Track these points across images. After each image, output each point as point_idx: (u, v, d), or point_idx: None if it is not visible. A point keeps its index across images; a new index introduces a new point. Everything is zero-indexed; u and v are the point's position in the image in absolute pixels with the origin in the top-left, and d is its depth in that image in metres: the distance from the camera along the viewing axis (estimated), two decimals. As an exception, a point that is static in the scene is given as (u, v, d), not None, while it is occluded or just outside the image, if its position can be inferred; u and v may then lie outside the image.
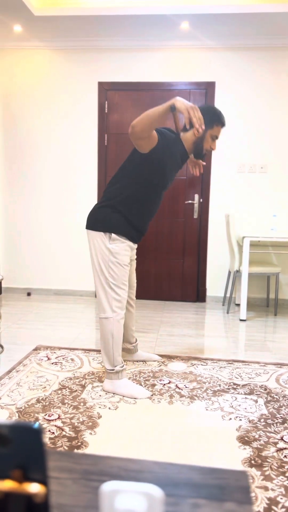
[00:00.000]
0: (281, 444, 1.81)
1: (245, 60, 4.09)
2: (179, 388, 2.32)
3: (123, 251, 2.21)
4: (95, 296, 4.46)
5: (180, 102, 1.93)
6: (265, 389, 2.33)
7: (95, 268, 2.24)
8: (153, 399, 2.19)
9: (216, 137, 2.26)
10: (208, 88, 4.13)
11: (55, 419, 1.97)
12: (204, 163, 2.59)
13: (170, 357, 2.77)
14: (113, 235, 2.19)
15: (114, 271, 2.20)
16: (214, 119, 2.21)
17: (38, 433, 0.48)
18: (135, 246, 2.35)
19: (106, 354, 2.26)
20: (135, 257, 2.50)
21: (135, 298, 2.60)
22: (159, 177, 2.18)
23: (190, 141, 2.25)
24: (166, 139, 2.14)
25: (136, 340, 2.67)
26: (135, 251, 2.47)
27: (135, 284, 2.56)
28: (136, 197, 2.19)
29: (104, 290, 2.22)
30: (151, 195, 2.22)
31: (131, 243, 2.26)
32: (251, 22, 3.67)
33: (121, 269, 2.21)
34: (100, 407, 2.10)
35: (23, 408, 2.07)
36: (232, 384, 2.39)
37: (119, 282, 2.22)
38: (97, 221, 2.21)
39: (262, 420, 2.01)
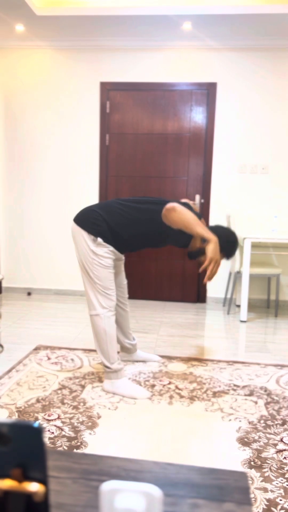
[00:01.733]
0: (280, 446, 1.81)
1: (246, 61, 4.09)
2: (179, 389, 2.32)
3: (106, 253, 2.21)
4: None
5: (213, 248, 2.09)
6: (265, 391, 2.33)
7: (80, 265, 2.25)
8: (153, 400, 2.19)
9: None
10: (209, 89, 4.13)
11: (55, 419, 1.97)
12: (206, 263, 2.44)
13: (170, 358, 2.77)
14: (98, 239, 2.19)
15: (99, 272, 2.20)
16: (224, 253, 2.31)
17: (38, 432, 0.48)
18: (120, 255, 2.37)
19: (101, 351, 2.26)
20: (123, 257, 2.50)
21: (127, 298, 2.59)
22: (159, 240, 2.28)
23: (194, 245, 2.32)
24: (183, 236, 2.25)
25: (134, 339, 2.67)
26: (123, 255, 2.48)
27: (125, 284, 2.55)
28: (131, 234, 2.24)
29: (91, 287, 2.23)
30: (145, 242, 2.30)
31: (115, 250, 2.27)
32: (253, 23, 3.67)
33: (106, 270, 2.21)
34: (99, 407, 2.10)
35: (22, 407, 2.08)
36: (232, 385, 2.39)
37: (106, 284, 2.22)
38: (88, 221, 2.21)
39: (262, 421, 2.00)
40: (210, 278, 2.13)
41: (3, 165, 4.45)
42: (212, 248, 2.08)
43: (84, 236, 2.20)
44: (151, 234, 2.24)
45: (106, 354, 2.25)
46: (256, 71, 4.09)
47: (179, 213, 2.09)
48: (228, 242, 2.29)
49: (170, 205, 2.11)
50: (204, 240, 2.14)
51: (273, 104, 4.11)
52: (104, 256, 2.20)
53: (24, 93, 4.34)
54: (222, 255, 2.32)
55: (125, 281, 2.55)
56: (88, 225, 2.20)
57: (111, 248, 2.23)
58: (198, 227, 2.07)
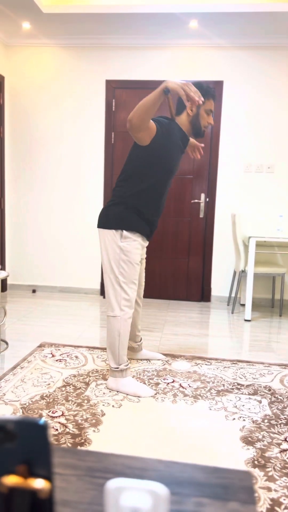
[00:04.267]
0: (284, 445, 1.80)
1: (253, 59, 4.07)
2: (182, 387, 2.32)
3: (134, 249, 2.21)
4: (100, 294, 4.47)
5: (172, 82, 1.93)
6: (269, 390, 2.33)
7: (105, 266, 2.23)
8: (157, 398, 2.19)
9: (211, 111, 2.25)
10: (216, 87, 4.12)
11: (59, 416, 1.98)
12: (203, 145, 2.58)
13: (174, 356, 2.77)
14: (124, 232, 2.18)
15: (124, 269, 2.20)
16: (203, 93, 2.20)
17: (44, 429, 0.48)
18: (146, 244, 2.35)
19: (111, 352, 2.26)
20: (145, 255, 2.50)
21: (142, 297, 2.60)
22: (165, 165, 2.18)
23: (186, 122, 2.24)
24: (164, 126, 2.14)
25: (141, 339, 2.67)
26: (145, 249, 2.47)
27: (143, 283, 2.57)
28: (145, 190, 2.19)
29: (113, 288, 2.22)
30: (160, 184, 2.22)
31: (142, 241, 2.26)
32: (260, 21, 3.65)
33: (132, 268, 2.21)
34: (103, 405, 2.10)
35: (27, 404, 2.08)
36: (236, 384, 2.39)
37: (129, 281, 2.22)
38: (108, 219, 2.21)
39: (265, 420, 2.00)
40: (199, 98, 1.91)
41: (9, 163, 4.46)
42: (170, 84, 1.91)
43: (110, 235, 2.20)
44: (153, 165, 2.15)
45: (116, 356, 2.25)
46: (263, 69, 4.07)
47: (134, 113, 1.95)
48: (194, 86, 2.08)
49: (127, 123, 2.00)
50: (167, 92, 1.92)
51: (280, 103, 4.09)
52: (131, 251, 2.20)
53: (30, 91, 4.35)
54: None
55: (144, 281, 2.56)
56: (109, 222, 2.20)
57: (139, 239, 2.22)
58: (150, 95, 1.94)
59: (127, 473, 0.64)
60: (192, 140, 2.53)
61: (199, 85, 2.21)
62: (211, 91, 2.23)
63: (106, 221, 2.22)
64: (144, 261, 2.51)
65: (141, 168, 2.16)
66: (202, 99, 1.95)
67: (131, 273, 2.21)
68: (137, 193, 2.19)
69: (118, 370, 2.26)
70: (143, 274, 2.54)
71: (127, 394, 2.22)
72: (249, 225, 4.25)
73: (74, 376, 2.43)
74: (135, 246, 2.21)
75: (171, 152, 2.17)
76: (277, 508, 1.41)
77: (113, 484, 0.48)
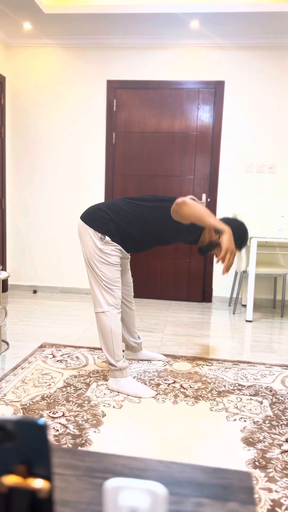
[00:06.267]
0: (285, 446, 1.80)
1: (254, 59, 4.07)
2: (183, 388, 2.32)
3: (113, 251, 2.21)
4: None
5: (228, 238, 2.05)
6: (270, 391, 2.32)
7: (86, 263, 2.25)
8: (158, 399, 2.19)
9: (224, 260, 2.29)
10: (217, 87, 4.12)
11: (60, 417, 1.98)
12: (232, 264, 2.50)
13: (175, 357, 2.77)
14: (106, 237, 2.19)
15: (105, 269, 2.20)
16: (237, 243, 2.27)
17: (43, 429, 0.48)
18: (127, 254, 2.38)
19: (107, 349, 2.26)
20: (129, 256, 2.50)
21: (132, 296, 2.59)
22: (168, 237, 2.28)
23: (204, 239, 2.32)
24: (195, 228, 2.25)
25: (139, 338, 2.67)
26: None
27: (130, 282, 2.55)
28: (139, 233, 2.24)
29: (98, 284, 2.23)
30: (154, 241, 2.30)
31: (121, 249, 2.27)
32: (261, 21, 3.65)
33: (112, 268, 2.21)
34: (104, 406, 2.10)
35: (27, 405, 2.08)
36: (237, 385, 2.38)
37: (112, 281, 2.22)
38: (96, 219, 2.21)
39: (267, 421, 2.00)
40: (228, 269, 2.09)
41: (11, 163, 4.47)
42: (227, 238, 2.05)
43: (91, 234, 2.20)
44: (160, 231, 2.23)
45: (111, 352, 2.25)
46: (264, 70, 4.07)
47: (191, 207, 2.08)
48: (240, 232, 2.27)
49: (180, 199, 2.10)
50: (217, 232, 2.10)
51: (281, 103, 4.09)
52: (111, 254, 2.20)
53: (31, 91, 4.35)
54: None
55: (131, 280, 2.55)
56: (95, 223, 2.20)
57: (119, 246, 2.23)
58: (211, 218, 2.06)
59: (127, 473, 0.64)
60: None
61: (243, 237, 2.28)
62: (243, 246, 2.31)
63: (93, 220, 2.21)
64: (128, 261, 2.51)
65: (153, 216, 2.21)
66: (228, 271, 2.26)
67: (112, 274, 2.22)
68: (138, 231, 2.23)
69: (117, 369, 2.26)
70: (129, 273, 2.53)
71: (128, 395, 2.22)
72: (251, 225, 4.24)
73: (75, 376, 2.43)
74: (113, 249, 2.22)
75: (179, 237, 2.29)
76: (278, 509, 1.41)
77: (111, 483, 0.48)
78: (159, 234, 2.25)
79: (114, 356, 2.25)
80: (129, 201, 2.27)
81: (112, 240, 2.20)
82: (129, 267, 2.53)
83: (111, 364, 2.27)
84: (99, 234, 2.19)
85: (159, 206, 2.22)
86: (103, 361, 2.67)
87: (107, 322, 2.22)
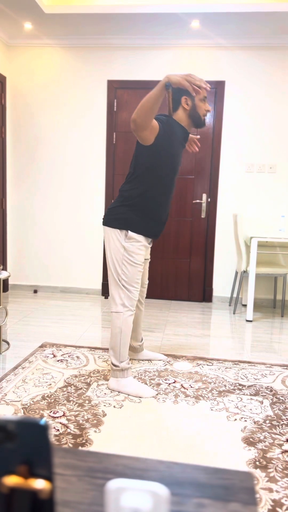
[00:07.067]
0: (286, 446, 1.80)
1: (255, 59, 4.06)
2: (184, 388, 2.32)
3: (138, 250, 2.21)
4: (102, 295, 4.47)
5: (174, 76, 1.91)
6: (271, 391, 2.32)
7: (109, 264, 2.25)
8: (158, 398, 2.19)
9: (205, 97, 2.22)
10: (217, 87, 4.12)
11: (60, 416, 1.98)
12: (198, 137, 2.57)
13: (175, 357, 2.77)
14: (129, 233, 2.19)
15: (127, 269, 2.21)
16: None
17: (44, 429, 0.48)
18: (150, 245, 2.36)
19: (113, 348, 2.27)
20: (149, 257, 2.51)
21: (145, 297, 2.61)
22: (170, 163, 2.18)
23: (184, 117, 2.23)
24: (165, 123, 2.13)
25: (142, 340, 2.67)
26: (149, 250, 2.48)
27: (146, 284, 2.58)
28: (151, 191, 2.19)
29: (116, 285, 2.24)
30: (166, 182, 2.22)
31: (146, 243, 2.26)
32: (262, 21, 3.65)
33: (134, 268, 2.22)
34: (105, 405, 2.10)
35: (28, 404, 2.08)
36: (237, 384, 2.38)
37: (132, 281, 2.22)
38: (114, 218, 2.22)
39: (267, 421, 2.00)
40: (206, 85, 1.92)
41: (11, 163, 4.47)
42: (172, 77, 1.90)
43: (117, 234, 2.21)
44: (158, 165, 2.15)
45: (117, 352, 2.26)
46: (265, 69, 4.06)
47: (137, 113, 1.94)
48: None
49: (131, 123, 2.00)
50: (167, 88, 1.92)
51: (282, 103, 4.08)
52: (135, 252, 2.21)
53: (31, 91, 4.35)
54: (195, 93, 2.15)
55: (147, 281, 2.58)
56: (114, 222, 2.21)
57: (143, 240, 2.22)
58: (151, 93, 1.92)
59: (128, 474, 0.64)
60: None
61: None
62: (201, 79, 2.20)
63: (112, 220, 2.22)
64: (147, 262, 2.52)
65: (146, 166, 2.16)
66: (209, 85, 1.94)
67: (133, 273, 2.22)
68: (144, 193, 2.19)
69: (119, 369, 2.26)
70: (146, 275, 2.55)
71: (129, 395, 2.22)
72: (251, 226, 4.24)
73: (76, 376, 2.43)
74: (138, 246, 2.21)
75: (174, 149, 2.18)
76: (278, 509, 1.41)
77: (113, 484, 0.48)
78: (163, 168, 2.17)
79: (119, 357, 2.26)
80: (126, 178, 2.27)
81: (135, 231, 2.19)
82: (147, 268, 2.55)
83: (114, 364, 2.27)
84: (123, 232, 2.19)
85: (135, 157, 2.19)
86: (104, 361, 2.67)
87: (118, 322, 2.24)
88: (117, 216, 2.22)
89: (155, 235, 2.29)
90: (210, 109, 2.24)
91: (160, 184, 2.20)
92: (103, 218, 2.29)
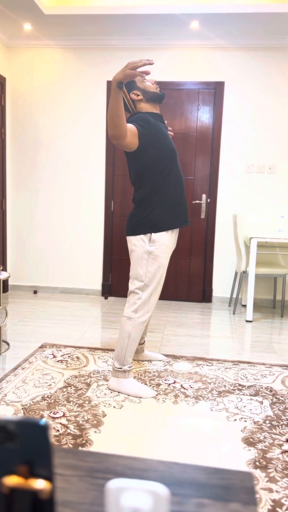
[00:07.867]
0: (286, 446, 1.80)
1: (254, 60, 4.07)
2: (184, 388, 2.32)
3: (162, 253, 2.21)
4: (101, 295, 4.47)
5: (118, 75, 1.92)
6: (271, 391, 2.32)
7: (132, 272, 2.24)
8: (158, 399, 2.19)
9: (146, 73, 2.13)
10: (217, 88, 4.12)
11: (60, 417, 1.98)
12: (166, 121, 2.54)
13: (175, 357, 2.77)
14: (153, 235, 2.19)
15: (151, 273, 2.20)
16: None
17: (44, 429, 0.48)
18: (176, 237, 2.32)
19: (118, 352, 2.26)
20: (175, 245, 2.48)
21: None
22: (163, 145, 2.18)
23: (145, 104, 2.25)
24: (138, 119, 2.15)
25: (144, 342, 2.67)
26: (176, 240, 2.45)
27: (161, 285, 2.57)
28: (160, 179, 2.19)
29: (135, 292, 2.23)
30: (170, 168, 2.22)
31: (171, 239, 2.24)
32: (261, 21, 3.65)
33: (158, 273, 2.21)
34: (105, 406, 2.10)
35: (28, 405, 2.08)
36: (237, 385, 2.38)
37: (154, 286, 2.22)
38: (137, 225, 2.21)
39: (267, 421, 2.00)
40: (148, 61, 1.92)
41: (11, 164, 4.47)
42: (118, 76, 1.91)
43: (138, 241, 2.20)
44: (153, 161, 2.16)
45: (122, 357, 2.25)
46: (264, 70, 4.07)
47: (110, 128, 1.97)
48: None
49: (112, 140, 2.03)
50: (120, 86, 1.93)
51: (281, 104, 4.09)
52: (160, 256, 2.20)
53: (31, 92, 4.35)
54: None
55: (163, 281, 2.56)
56: (136, 228, 2.21)
57: (166, 242, 2.21)
58: (110, 101, 1.96)
59: (128, 474, 0.64)
60: None
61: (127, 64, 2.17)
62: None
63: (133, 228, 2.22)
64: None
65: (144, 165, 2.17)
66: (151, 59, 1.95)
67: (156, 278, 2.21)
68: (157, 189, 2.19)
69: (121, 371, 2.26)
70: (164, 275, 2.55)
71: (128, 395, 2.22)
72: (251, 226, 4.24)
73: (75, 377, 2.43)
74: (163, 250, 2.21)
75: (161, 136, 2.19)
76: (278, 510, 1.41)
77: (113, 484, 0.48)
78: (160, 161, 2.17)
79: (123, 361, 2.25)
80: (134, 190, 2.29)
81: (160, 230, 2.18)
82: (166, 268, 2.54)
83: (116, 366, 2.27)
84: (147, 236, 2.19)
85: (129, 164, 2.20)
86: (104, 361, 2.67)
87: (128, 328, 2.23)
88: (138, 222, 2.21)
89: (184, 221, 2.27)
90: (155, 79, 2.21)
91: (164, 170, 2.20)
92: (126, 230, 2.28)
